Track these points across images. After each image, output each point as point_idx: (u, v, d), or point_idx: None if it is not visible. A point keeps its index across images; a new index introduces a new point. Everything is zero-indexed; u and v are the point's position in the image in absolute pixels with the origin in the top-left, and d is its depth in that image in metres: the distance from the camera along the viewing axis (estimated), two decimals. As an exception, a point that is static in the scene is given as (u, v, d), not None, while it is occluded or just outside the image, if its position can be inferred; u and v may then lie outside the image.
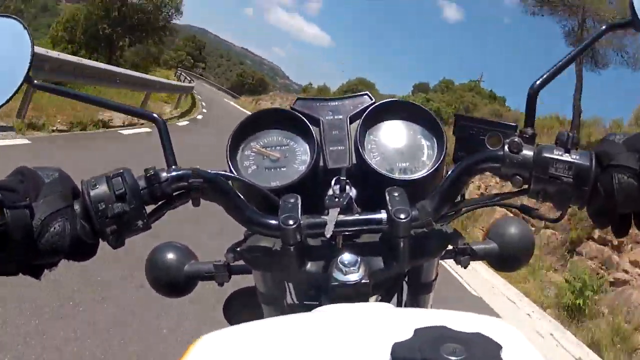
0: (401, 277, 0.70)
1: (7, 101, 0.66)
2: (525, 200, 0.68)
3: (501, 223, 0.75)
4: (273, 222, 0.58)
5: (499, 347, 0.37)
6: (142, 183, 0.56)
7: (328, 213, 0.59)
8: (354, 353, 0.42)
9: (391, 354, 0.37)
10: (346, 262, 0.57)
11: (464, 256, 0.72)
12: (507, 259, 0.73)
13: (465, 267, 0.73)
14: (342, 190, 0.61)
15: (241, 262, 0.68)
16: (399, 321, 0.51)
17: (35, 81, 0.65)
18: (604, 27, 0.66)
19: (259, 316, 0.75)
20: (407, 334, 0.38)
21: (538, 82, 0.62)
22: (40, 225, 0.52)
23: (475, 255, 0.73)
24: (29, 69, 0.63)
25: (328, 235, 0.56)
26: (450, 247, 0.66)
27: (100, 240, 0.57)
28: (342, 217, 0.58)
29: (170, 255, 0.74)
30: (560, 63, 0.63)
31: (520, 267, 0.74)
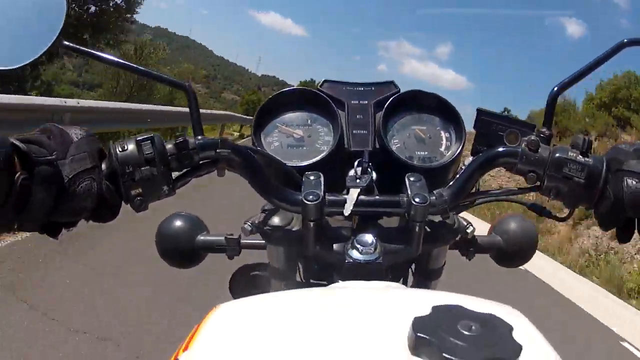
0: (411, 260, 0.71)
1: (37, 58, 0.66)
2: (532, 199, 0.71)
3: (506, 219, 0.77)
4: (296, 197, 0.59)
5: (511, 328, 0.38)
6: (170, 149, 0.57)
7: (349, 192, 0.60)
8: (375, 325, 0.43)
9: (412, 326, 0.38)
10: (363, 242, 0.59)
11: (470, 248, 0.74)
12: (511, 254, 0.76)
13: (469, 259, 0.76)
14: (364, 172, 0.63)
15: (252, 239, 0.69)
16: (416, 299, 0.52)
17: (65, 42, 0.65)
18: (625, 40, 0.69)
19: (267, 292, 0.76)
20: (425, 311, 0.40)
21: (559, 87, 0.65)
22: (66, 184, 0.52)
23: (481, 249, 0.75)
24: (62, 29, 0.63)
25: (347, 214, 0.58)
26: (460, 236, 0.68)
27: (123, 202, 0.57)
28: (362, 198, 0.60)
29: (181, 226, 0.74)
30: (581, 70, 0.67)
31: (523, 263, 0.77)
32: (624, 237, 0.62)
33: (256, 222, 0.65)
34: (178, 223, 0.75)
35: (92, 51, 0.67)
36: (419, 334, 0.37)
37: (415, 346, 0.37)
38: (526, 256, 0.76)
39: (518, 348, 0.36)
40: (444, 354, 0.35)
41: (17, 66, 0.68)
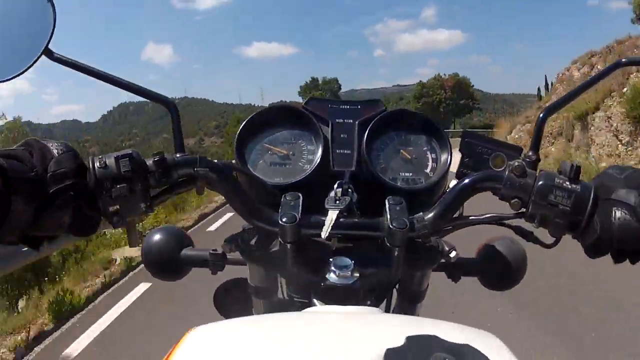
0: (392, 284, 0.71)
1: (23, 72, 0.66)
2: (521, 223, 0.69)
3: (494, 242, 0.75)
4: (273, 217, 0.59)
5: (486, 358, 0.38)
6: (149, 165, 0.57)
7: (327, 214, 0.60)
8: (347, 355, 0.43)
9: (384, 359, 0.38)
10: (340, 265, 0.58)
11: (456, 271, 0.73)
12: (499, 278, 0.74)
13: (456, 282, 0.74)
14: (344, 193, 0.62)
15: (237, 254, 0.69)
16: (391, 327, 0.52)
17: (55, 54, 0.65)
18: (615, 62, 0.67)
19: (249, 307, 0.76)
20: (398, 341, 0.39)
21: (546, 111, 0.64)
22: (45, 199, 0.52)
23: (467, 272, 0.73)
24: (48, 41, 0.63)
25: (324, 237, 0.58)
26: (443, 260, 0.67)
27: (102, 217, 0.57)
28: (341, 220, 0.59)
29: (166, 240, 0.75)
30: (569, 94, 0.66)
31: (512, 287, 0.75)
32: (618, 260, 0.60)
33: (237, 240, 0.65)
34: (163, 236, 0.75)
35: (81, 64, 0.67)
36: None
37: None
38: (515, 279, 0.74)
39: None
40: None
41: (4, 80, 0.68)
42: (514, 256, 0.74)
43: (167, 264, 0.74)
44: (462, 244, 0.72)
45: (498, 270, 0.73)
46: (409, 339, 0.40)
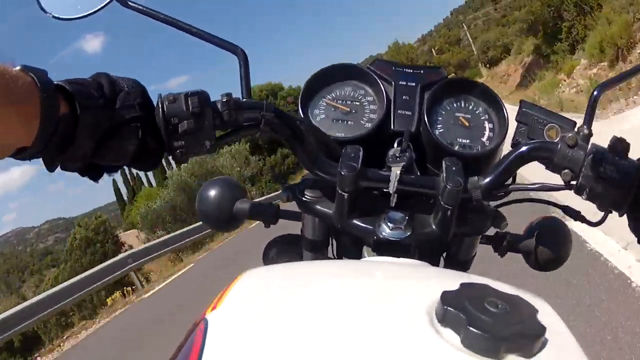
0: (441, 248, 0.72)
1: (94, 13, 0.68)
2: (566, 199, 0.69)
3: (542, 220, 0.75)
4: (333, 167, 0.60)
5: (535, 310, 0.39)
6: (216, 107, 0.58)
7: (387, 169, 0.61)
8: (403, 297, 0.44)
9: (440, 299, 0.39)
10: (394, 219, 0.60)
11: (503, 244, 0.73)
12: (544, 257, 0.73)
13: (502, 256, 0.75)
14: (404, 151, 0.63)
15: (290, 208, 0.70)
16: (444, 276, 0.53)
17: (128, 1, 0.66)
18: None
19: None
20: (453, 286, 0.40)
21: (600, 87, 0.64)
22: (111, 128, 0.53)
23: (513, 247, 0.74)
24: None
25: (392, 191, 0.59)
26: (491, 232, 0.67)
27: (165, 153, 0.59)
28: (401, 176, 0.60)
29: (221, 190, 0.75)
30: (626, 72, 0.65)
31: (555, 268, 0.74)
32: None
33: (295, 190, 0.67)
34: (219, 187, 0.76)
35: (156, 12, 0.67)
36: (446, 307, 0.38)
37: (443, 318, 0.38)
38: (560, 260, 0.74)
39: (541, 329, 0.37)
40: (469, 327, 0.36)
41: (75, 17, 0.69)
42: (561, 236, 0.74)
43: (221, 215, 0.75)
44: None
45: (544, 250, 0.73)
46: (463, 285, 0.41)
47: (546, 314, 0.43)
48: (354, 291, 0.46)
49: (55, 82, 0.50)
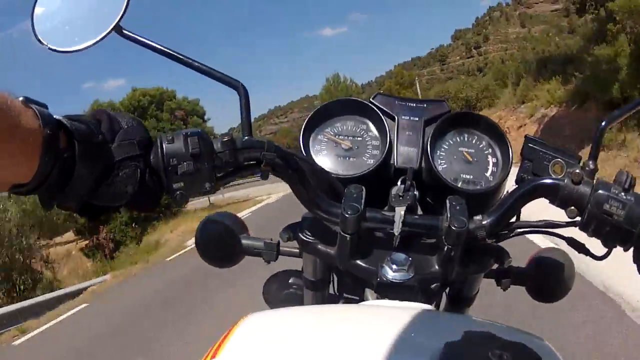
0: (446, 284, 0.70)
1: (92, 45, 0.67)
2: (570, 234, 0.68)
3: (546, 252, 0.75)
4: (336, 208, 0.58)
5: (539, 358, 0.38)
6: (216, 147, 0.57)
7: (390, 208, 0.60)
8: (405, 347, 0.43)
9: (443, 351, 0.38)
10: (397, 261, 0.58)
11: (506, 278, 0.72)
12: (547, 289, 0.73)
13: (504, 290, 0.74)
14: (407, 190, 0.62)
15: (291, 246, 0.69)
16: (448, 323, 0.51)
17: (125, 31, 0.65)
18: None
19: (298, 301, 0.76)
20: (456, 336, 0.39)
21: (607, 121, 0.63)
22: (110, 167, 0.52)
23: (517, 280, 0.73)
24: (120, 18, 0.64)
25: (396, 233, 0.58)
26: (497, 265, 0.66)
27: (164, 194, 0.57)
28: (405, 217, 0.59)
29: (222, 226, 0.74)
30: (631, 105, 0.64)
31: (558, 299, 0.74)
32: None
33: (295, 229, 0.65)
34: (218, 223, 0.74)
35: (153, 43, 0.67)
36: None
37: None
38: (563, 291, 0.74)
39: None
40: None
41: (73, 50, 0.68)
42: (564, 268, 0.73)
43: (220, 251, 0.73)
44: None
45: (547, 281, 0.73)
46: (467, 334, 0.40)
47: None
48: (356, 342, 0.45)
49: (55, 118, 0.49)
